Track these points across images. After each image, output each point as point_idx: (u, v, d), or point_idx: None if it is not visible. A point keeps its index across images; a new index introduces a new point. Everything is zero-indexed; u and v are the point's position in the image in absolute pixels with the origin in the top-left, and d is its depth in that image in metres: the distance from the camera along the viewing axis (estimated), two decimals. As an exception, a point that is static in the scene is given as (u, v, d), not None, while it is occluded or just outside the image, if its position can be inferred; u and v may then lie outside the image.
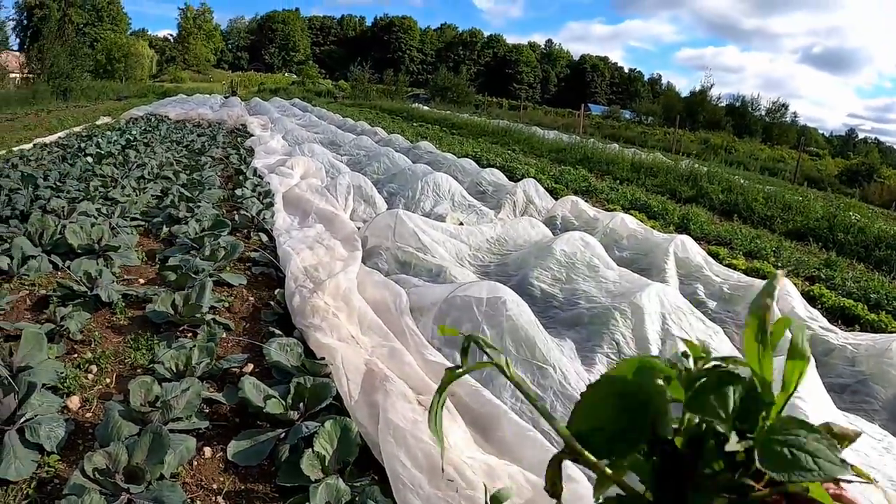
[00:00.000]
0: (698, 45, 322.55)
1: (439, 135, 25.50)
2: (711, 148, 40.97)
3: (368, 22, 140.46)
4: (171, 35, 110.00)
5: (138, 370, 4.64)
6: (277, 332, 5.09)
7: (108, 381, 4.52)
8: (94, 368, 4.64)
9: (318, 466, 3.45)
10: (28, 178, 10.01)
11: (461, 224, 8.84)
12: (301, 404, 3.95)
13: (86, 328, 5.19)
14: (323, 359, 4.40)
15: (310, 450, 3.48)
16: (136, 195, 9.80)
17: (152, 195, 10.01)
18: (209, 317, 5.36)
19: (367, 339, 4.83)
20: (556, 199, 11.15)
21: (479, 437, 3.84)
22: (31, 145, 16.69)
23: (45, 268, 6.46)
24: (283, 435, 3.86)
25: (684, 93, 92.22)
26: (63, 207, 8.10)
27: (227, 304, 5.95)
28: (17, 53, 52.32)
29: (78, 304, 5.46)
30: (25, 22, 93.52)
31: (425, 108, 47.14)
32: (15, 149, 15.96)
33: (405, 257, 7.03)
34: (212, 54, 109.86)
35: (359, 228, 7.87)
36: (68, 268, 6.27)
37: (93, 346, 5.00)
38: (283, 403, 3.94)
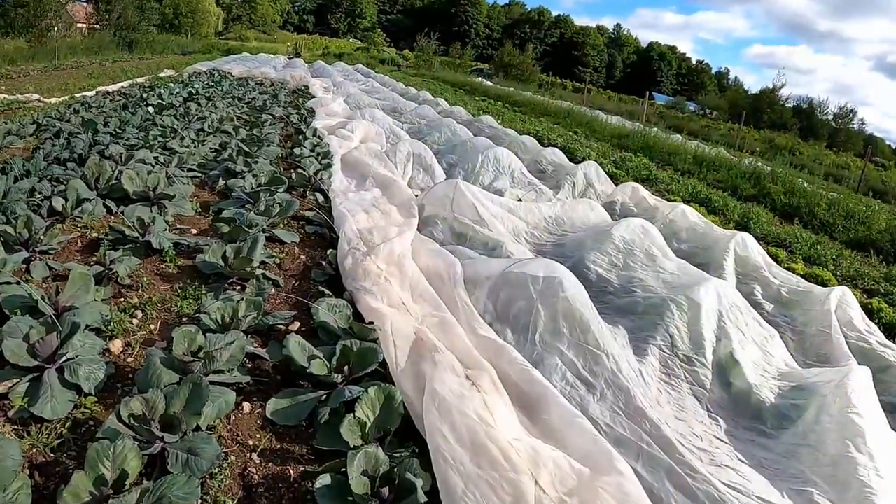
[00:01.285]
0: (770, 43, 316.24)
1: (501, 111, 25.25)
2: (776, 148, 39.97)
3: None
4: None
5: (184, 319, 4.58)
6: (327, 292, 4.98)
7: (152, 327, 4.45)
8: (139, 314, 4.58)
9: (358, 433, 3.33)
10: (88, 124, 10.03)
11: (520, 200, 8.65)
12: (346, 367, 3.83)
13: (134, 273, 5.14)
14: (371, 323, 4.27)
15: (351, 415, 3.36)
16: (195, 147, 9.79)
17: (211, 148, 9.99)
18: (259, 271, 5.27)
19: (418, 308, 4.69)
20: (617, 184, 10.90)
21: (525, 418, 3.70)
22: (93, 93, 16.84)
23: (99, 211, 6.43)
24: (324, 397, 3.76)
25: (752, 90, 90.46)
26: (121, 154, 8.08)
27: (277, 261, 5.86)
28: (85, 4, 52.84)
29: (128, 250, 5.41)
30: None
31: (488, 83, 46.73)
32: (77, 95, 16.10)
33: (461, 229, 6.88)
34: (278, 15, 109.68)
35: (416, 196, 7.73)
36: (122, 213, 6.23)
37: (140, 291, 4.94)
38: (328, 365, 3.83)
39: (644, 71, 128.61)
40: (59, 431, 3.30)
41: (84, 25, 47.93)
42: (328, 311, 4.40)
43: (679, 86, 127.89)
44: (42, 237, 5.29)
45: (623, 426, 3.95)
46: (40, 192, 6.46)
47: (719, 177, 16.71)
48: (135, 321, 4.48)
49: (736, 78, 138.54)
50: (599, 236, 6.84)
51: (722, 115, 67.16)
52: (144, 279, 5.10)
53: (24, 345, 3.55)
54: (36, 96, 15.08)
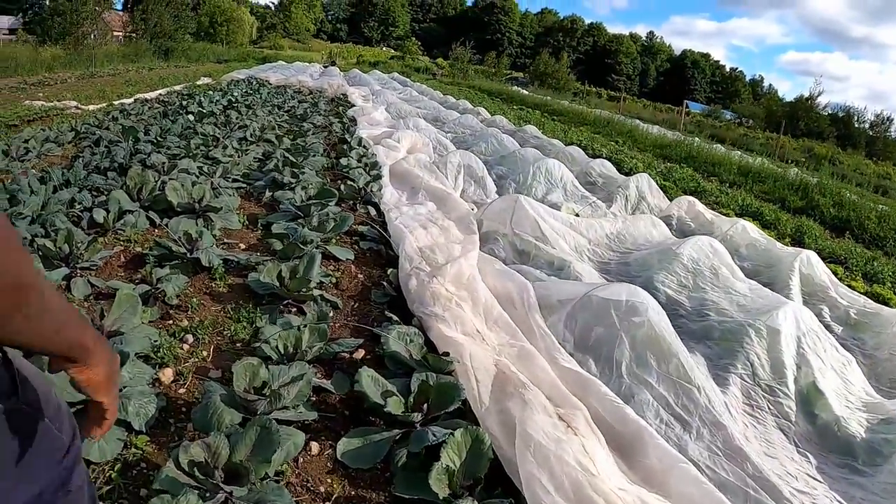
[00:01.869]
0: (804, 49, 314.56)
1: (540, 120, 24.80)
2: (816, 158, 39.25)
3: (469, 2, 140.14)
4: (273, 2, 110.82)
5: (238, 344, 4.23)
6: (395, 318, 4.57)
7: (204, 353, 4.11)
8: (189, 338, 4.24)
9: (446, 482, 2.95)
10: (129, 132, 9.79)
11: (577, 215, 8.26)
12: (424, 405, 3.44)
13: (183, 293, 4.81)
14: (447, 354, 3.88)
15: (439, 463, 2.97)
16: (238, 156, 9.48)
17: (254, 158, 9.67)
18: (316, 292, 4.90)
19: (494, 336, 4.30)
20: (668, 196, 10.50)
21: (620, 461, 3.32)
22: (132, 100, 16.69)
23: (143, 224, 6.13)
24: (399, 436, 3.38)
25: (787, 97, 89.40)
26: (163, 163, 7.81)
27: (334, 280, 5.48)
28: (121, 13, 53.40)
29: (175, 266, 5.08)
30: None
31: (524, 91, 46.32)
32: (115, 102, 15.96)
33: (523, 246, 6.50)
34: (311, 24, 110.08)
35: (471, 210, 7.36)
36: (166, 226, 5.93)
37: (189, 312, 4.61)
38: (404, 402, 3.44)
39: (678, 79, 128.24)
40: (109, 475, 2.94)
41: (120, 33, 48.42)
42: (398, 340, 4.02)
43: (713, 94, 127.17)
44: (83, 252, 4.97)
45: (724, 468, 3.60)
46: (80, 203, 6.19)
47: (765, 188, 16.23)
48: (185, 347, 4.14)
49: (770, 85, 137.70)
50: (666, 255, 6.46)
51: (758, 124, 66.33)
52: (193, 299, 4.76)
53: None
54: (74, 103, 14.93)
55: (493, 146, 12.63)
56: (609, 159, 14.33)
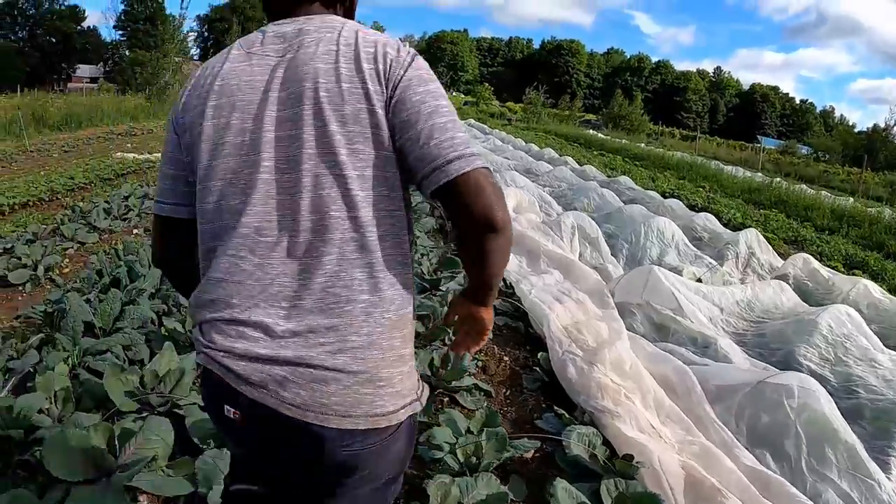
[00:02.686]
0: (874, 77, 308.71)
1: (625, 167, 24.47)
2: (900, 192, 38.06)
3: (536, 45, 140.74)
4: None
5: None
6: (560, 410, 4.40)
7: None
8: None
9: None
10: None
11: (699, 280, 8.05)
12: (624, 520, 3.27)
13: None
14: (630, 457, 3.70)
15: None
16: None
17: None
18: (469, 381, 4.79)
19: (668, 431, 4.11)
20: (772, 249, 10.22)
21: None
22: None
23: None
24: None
25: (859, 127, 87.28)
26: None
27: (480, 363, 5.35)
28: (198, 63, 54.81)
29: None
30: (206, 34, 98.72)
31: (600, 135, 46.08)
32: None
33: (661, 320, 6.28)
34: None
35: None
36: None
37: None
38: (602, 518, 3.28)
39: (748, 113, 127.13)
40: None
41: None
42: (578, 442, 3.85)
43: (784, 127, 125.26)
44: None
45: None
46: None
47: (862, 233, 15.63)
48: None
49: (842, 116, 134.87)
50: (803, 326, 6.16)
51: (834, 157, 64.68)
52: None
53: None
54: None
55: (596, 201, 12.45)
56: (706, 209, 14.07)
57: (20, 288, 6.67)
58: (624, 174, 18.49)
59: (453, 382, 4.66)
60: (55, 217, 9.30)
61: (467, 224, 1.58)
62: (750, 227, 11.31)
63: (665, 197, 14.45)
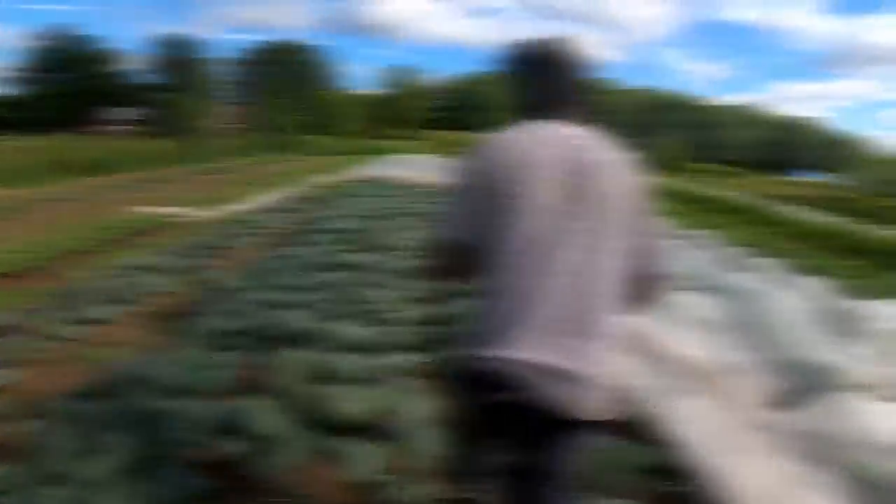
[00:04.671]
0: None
1: (700, 215, 19.87)
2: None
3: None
4: (381, 93, 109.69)
5: None
6: None
7: None
8: None
9: None
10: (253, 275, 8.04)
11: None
12: None
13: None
14: None
15: None
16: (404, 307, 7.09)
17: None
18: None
19: None
20: None
21: None
22: (249, 205, 15.70)
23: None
24: None
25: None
26: (308, 332, 5.88)
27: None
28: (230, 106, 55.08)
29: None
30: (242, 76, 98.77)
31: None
32: (236, 207, 14.79)
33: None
34: (420, 114, 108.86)
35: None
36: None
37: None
38: None
39: (785, 146, 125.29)
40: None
41: (232, 126, 49.37)
42: None
43: (819, 159, 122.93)
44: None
45: None
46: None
47: None
48: None
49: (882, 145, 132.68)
50: None
51: (889, 189, 62.58)
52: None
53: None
54: (188, 210, 14.03)
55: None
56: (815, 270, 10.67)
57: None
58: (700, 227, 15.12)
59: None
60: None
61: None
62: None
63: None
